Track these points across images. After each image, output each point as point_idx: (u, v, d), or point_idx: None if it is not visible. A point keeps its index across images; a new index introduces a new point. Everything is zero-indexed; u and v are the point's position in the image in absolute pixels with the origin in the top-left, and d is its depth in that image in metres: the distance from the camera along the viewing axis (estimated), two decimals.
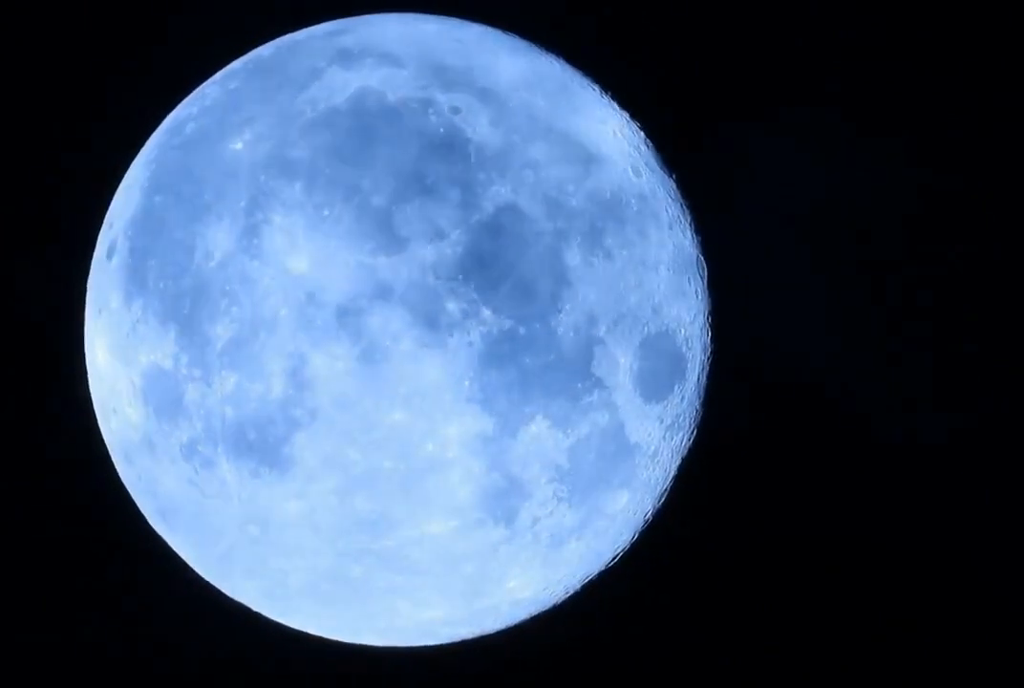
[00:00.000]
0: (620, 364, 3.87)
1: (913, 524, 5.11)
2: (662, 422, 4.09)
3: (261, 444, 3.74)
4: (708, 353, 4.28)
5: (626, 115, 4.21)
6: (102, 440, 4.32)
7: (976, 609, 5.13)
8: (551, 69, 4.13)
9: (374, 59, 3.93)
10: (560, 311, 3.74)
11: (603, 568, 4.39)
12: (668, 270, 4.04)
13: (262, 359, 3.68)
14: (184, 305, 3.79)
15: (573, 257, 3.78)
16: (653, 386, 3.99)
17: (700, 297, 4.20)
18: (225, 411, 3.75)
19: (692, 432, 4.30)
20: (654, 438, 4.07)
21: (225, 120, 3.94)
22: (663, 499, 4.34)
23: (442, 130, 3.78)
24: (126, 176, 4.24)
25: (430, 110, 3.81)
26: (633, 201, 3.99)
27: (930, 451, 5.06)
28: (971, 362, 5.06)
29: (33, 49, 4.89)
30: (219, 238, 3.76)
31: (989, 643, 5.11)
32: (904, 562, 5.12)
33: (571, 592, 4.39)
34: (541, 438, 3.78)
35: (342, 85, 3.87)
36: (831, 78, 5.00)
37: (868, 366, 5.05)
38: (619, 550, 4.35)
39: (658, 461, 4.14)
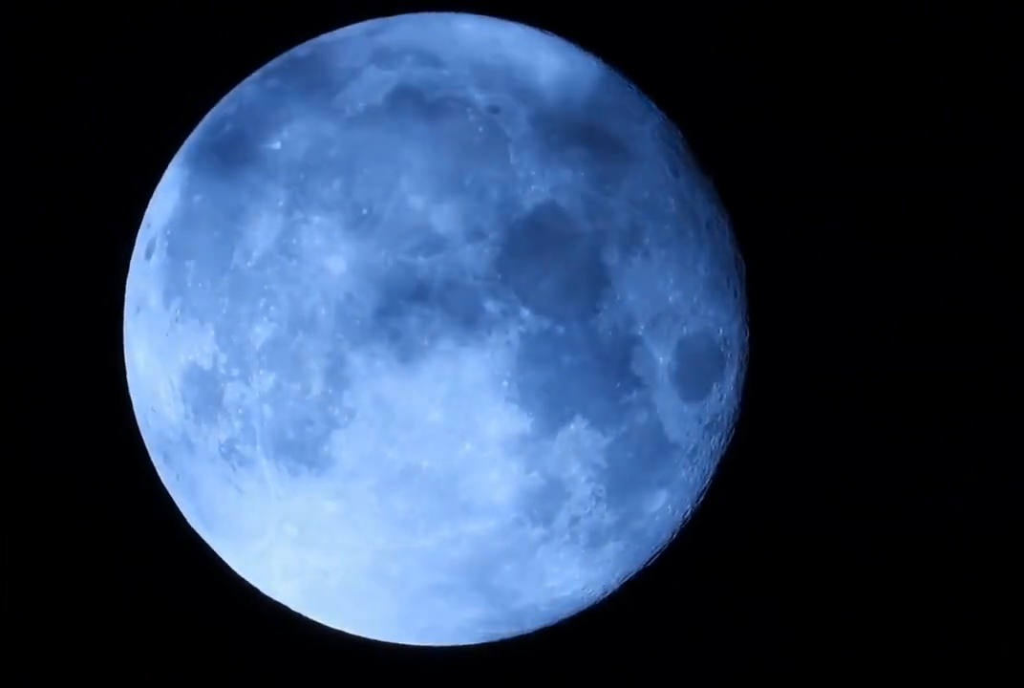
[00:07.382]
0: (659, 363, 3.86)
1: (963, 526, 5.08)
2: (700, 422, 4.08)
3: (299, 443, 3.74)
4: (747, 352, 4.27)
5: (664, 115, 4.20)
6: (140, 440, 4.33)
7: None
8: (590, 68, 4.12)
9: (412, 58, 3.93)
10: (598, 310, 3.73)
11: (641, 568, 4.38)
12: (706, 269, 4.03)
13: (301, 358, 3.69)
14: (223, 304, 3.79)
15: (611, 256, 3.77)
16: (692, 385, 3.98)
17: (738, 296, 4.19)
18: (264, 410, 3.75)
19: (731, 432, 4.29)
20: (693, 438, 4.06)
21: (263, 119, 3.94)
22: (702, 499, 4.33)
23: (481, 129, 3.78)
24: (164, 176, 4.24)
25: (468, 109, 3.80)
26: (672, 200, 3.98)
27: (978, 451, 5.04)
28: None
29: (71, 48, 4.91)
30: (257, 237, 3.76)
31: None
32: (951, 565, 5.09)
33: (609, 592, 4.38)
34: (580, 438, 3.77)
35: (380, 84, 3.87)
36: (869, 77, 4.99)
37: (911, 366, 5.04)
38: (658, 550, 4.35)
39: (697, 461, 4.13)
